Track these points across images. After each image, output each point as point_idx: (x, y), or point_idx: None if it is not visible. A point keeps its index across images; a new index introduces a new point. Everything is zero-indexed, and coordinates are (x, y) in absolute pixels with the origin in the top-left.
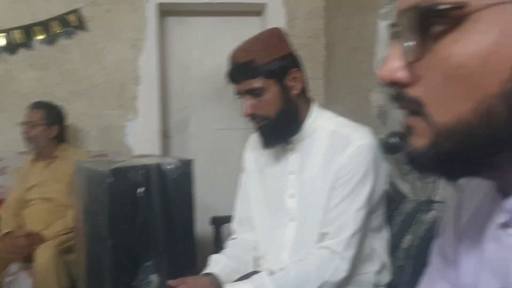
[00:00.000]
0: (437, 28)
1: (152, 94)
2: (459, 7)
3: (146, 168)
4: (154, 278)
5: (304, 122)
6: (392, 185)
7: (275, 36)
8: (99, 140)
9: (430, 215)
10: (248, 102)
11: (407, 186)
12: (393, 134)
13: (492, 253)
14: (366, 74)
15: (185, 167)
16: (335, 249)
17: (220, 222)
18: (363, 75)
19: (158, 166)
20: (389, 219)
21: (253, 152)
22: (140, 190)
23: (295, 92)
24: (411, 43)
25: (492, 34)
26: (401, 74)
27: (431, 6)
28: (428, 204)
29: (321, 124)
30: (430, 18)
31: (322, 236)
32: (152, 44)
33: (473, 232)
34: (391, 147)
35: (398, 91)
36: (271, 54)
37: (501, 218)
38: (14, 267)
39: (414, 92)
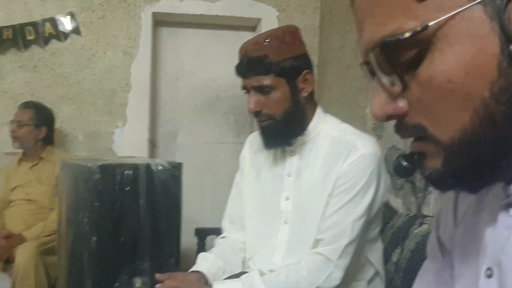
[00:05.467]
0: (411, 55)
1: (142, 103)
2: (422, 30)
3: (135, 167)
4: (136, 280)
5: (308, 125)
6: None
7: (291, 34)
8: (86, 146)
9: (421, 229)
10: (255, 98)
11: (399, 201)
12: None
13: (488, 236)
14: (361, 91)
15: (175, 169)
16: (330, 257)
17: (204, 234)
18: (357, 92)
19: (147, 166)
20: (381, 233)
21: (251, 152)
22: (128, 188)
23: (304, 94)
24: (390, 78)
25: (464, 42)
26: (392, 107)
27: (396, 39)
28: (419, 218)
29: (325, 129)
30: (399, 49)
31: (316, 242)
32: (145, 53)
33: (471, 220)
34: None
35: (397, 123)
36: (286, 52)
37: (504, 201)
38: None
39: (412, 119)
